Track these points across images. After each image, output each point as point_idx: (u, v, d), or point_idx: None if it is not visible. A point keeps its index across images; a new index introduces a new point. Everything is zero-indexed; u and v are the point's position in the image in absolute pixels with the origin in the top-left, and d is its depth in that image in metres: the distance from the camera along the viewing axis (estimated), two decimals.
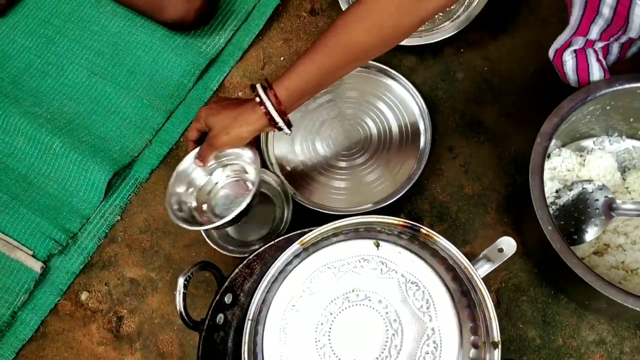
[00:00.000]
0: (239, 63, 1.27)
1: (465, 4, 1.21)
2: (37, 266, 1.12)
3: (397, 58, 1.21)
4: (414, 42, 1.16)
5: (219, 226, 0.96)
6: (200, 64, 1.24)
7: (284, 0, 1.31)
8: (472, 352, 0.73)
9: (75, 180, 1.17)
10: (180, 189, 1.03)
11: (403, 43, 1.15)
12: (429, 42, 1.15)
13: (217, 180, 1.08)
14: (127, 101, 1.23)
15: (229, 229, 1.12)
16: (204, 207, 1.06)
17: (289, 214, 1.07)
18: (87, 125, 1.22)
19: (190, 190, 1.05)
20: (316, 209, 1.08)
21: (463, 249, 1.05)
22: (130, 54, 1.27)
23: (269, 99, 0.90)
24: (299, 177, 1.14)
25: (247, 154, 1.01)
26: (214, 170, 1.06)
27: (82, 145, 1.18)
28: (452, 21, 1.19)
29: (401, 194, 1.07)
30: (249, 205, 0.94)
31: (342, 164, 1.14)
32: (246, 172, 1.06)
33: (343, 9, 1.21)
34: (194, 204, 1.05)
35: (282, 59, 1.27)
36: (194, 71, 1.24)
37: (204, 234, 1.07)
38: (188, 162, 1.03)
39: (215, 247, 1.07)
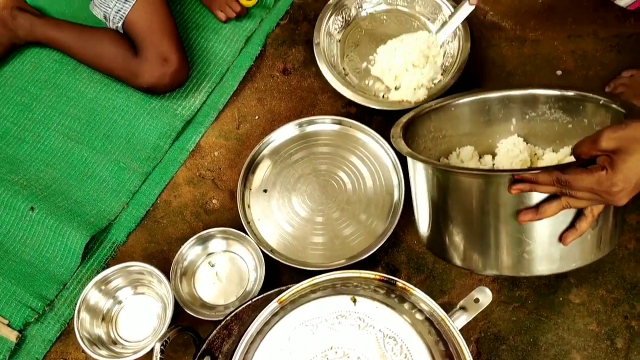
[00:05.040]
0: (214, 123, 1.29)
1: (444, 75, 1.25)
2: (12, 336, 1.10)
3: (369, 114, 1.24)
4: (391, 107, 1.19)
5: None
6: (176, 125, 1.27)
7: (257, 61, 1.35)
8: None
9: (52, 246, 1.16)
10: (87, 322, 1.07)
11: (377, 107, 1.19)
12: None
13: (122, 299, 1.12)
14: (103, 165, 1.24)
15: (202, 294, 1.12)
16: (112, 333, 1.10)
17: (262, 272, 1.08)
18: (63, 190, 1.22)
19: (95, 321, 1.09)
20: (294, 265, 1.09)
21: (441, 300, 1.06)
22: (106, 118, 1.29)
23: None
24: (276, 234, 1.14)
25: (157, 272, 1.06)
26: (117, 291, 1.11)
27: (58, 210, 1.18)
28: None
29: (378, 247, 1.08)
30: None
31: (319, 219, 1.15)
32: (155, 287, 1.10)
33: (321, 68, 1.24)
34: (103, 334, 1.09)
35: (256, 117, 1.29)
36: (170, 133, 1.26)
37: (179, 302, 1.07)
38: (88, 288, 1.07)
39: (190, 312, 1.06)
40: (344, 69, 1.28)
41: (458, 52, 1.23)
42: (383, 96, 1.23)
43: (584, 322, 1.02)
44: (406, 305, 0.81)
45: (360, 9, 1.33)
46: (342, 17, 1.32)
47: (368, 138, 1.20)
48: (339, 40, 1.31)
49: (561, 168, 0.71)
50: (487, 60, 1.27)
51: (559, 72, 1.26)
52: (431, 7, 1.28)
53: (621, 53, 1.26)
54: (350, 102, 1.25)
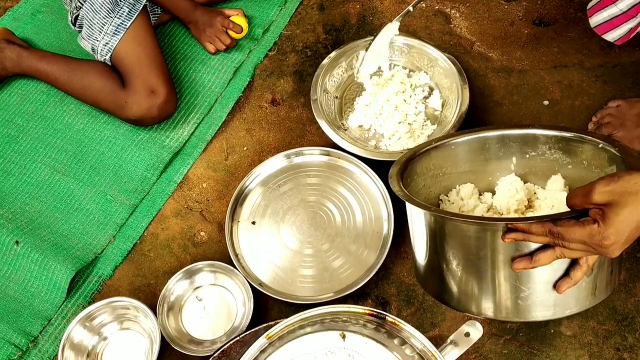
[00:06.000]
0: (202, 155, 1.28)
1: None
2: None
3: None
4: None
5: None
6: (164, 157, 1.26)
7: (245, 92, 1.35)
8: None
9: (36, 281, 1.14)
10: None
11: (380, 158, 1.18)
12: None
13: (107, 335, 1.09)
14: (90, 197, 1.23)
15: (189, 329, 1.10)
16: None
17: (250, 306, 1.06)
18: (49, 223, 1.21)
19: (80, 358, 1.06)
20: (283, 299, 1.07)
21: (432, 333, 1.05)
22: (94, 150, 1.28)
23: None
24: (265, 267, 1.13)
25: (143, 307, 1.05)
26: (102, 327, 1.09)
27: (43, 244, 1.17)
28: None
29: (367, 280, 1.07)
30: None
31: (308, 251, 1.14)
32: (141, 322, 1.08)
33: (320, 124, 1.23)
34: None
35: (245, 148, 1.29)
36: (157, 165, 1.25)
37: (166, 337, 1.05)
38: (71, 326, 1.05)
39: (177, 348, 1.04)
40: (342, 124, 1.27)
41: (457, 102, 1.22)
42: (385, 147, 1.22)
43: (576, 355, 1.01)
44: (396, 341, 0.80)
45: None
46: (338, 74, 1.32)
47: (356, 169, 1.20)
48: (336, 97, 1.31)
49: (554, 219, 0.71)
50: (474, 90, 1.28)
51: (545, 102, 1.27)
52: (427, 60, 1.30)
53: (607, 83, 1.27)
54: None
